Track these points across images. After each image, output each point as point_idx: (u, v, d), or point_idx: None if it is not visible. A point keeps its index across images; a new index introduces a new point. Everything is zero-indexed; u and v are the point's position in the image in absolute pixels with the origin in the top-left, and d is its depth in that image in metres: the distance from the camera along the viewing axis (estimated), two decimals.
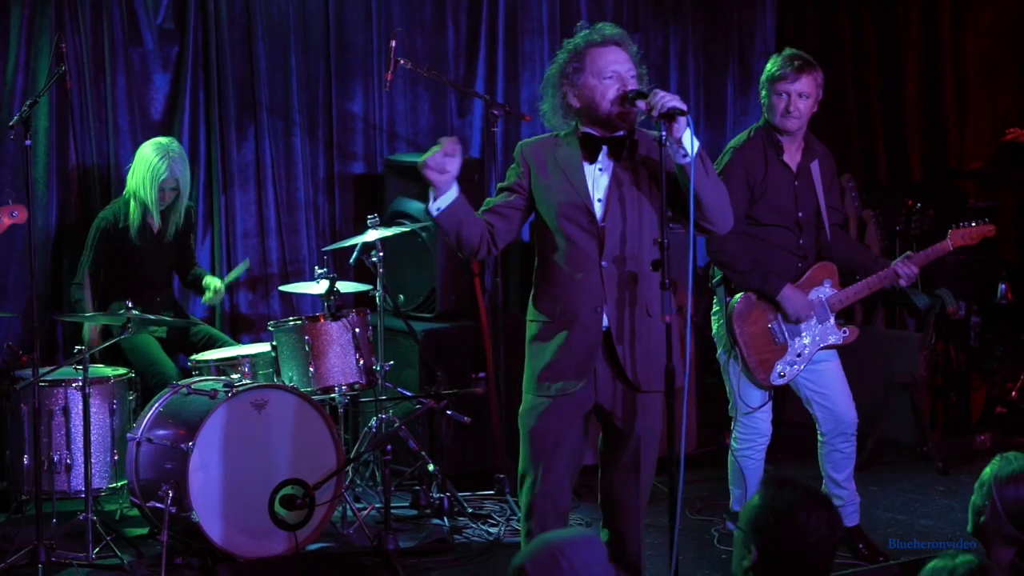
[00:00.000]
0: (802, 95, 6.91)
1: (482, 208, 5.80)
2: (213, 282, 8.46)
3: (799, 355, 6.99)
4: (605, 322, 5.66)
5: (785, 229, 7.00)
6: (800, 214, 7.00)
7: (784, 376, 6.99)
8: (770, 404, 7.12)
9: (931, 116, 11.78)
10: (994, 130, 11.42)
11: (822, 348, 7.04)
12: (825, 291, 7.04)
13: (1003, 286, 10.19)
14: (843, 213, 7.42)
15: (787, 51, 7.07)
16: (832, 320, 7.04)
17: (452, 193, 5.56)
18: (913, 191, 10.65)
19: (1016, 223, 11.52)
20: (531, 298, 5.83)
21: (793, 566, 4.10)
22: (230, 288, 8.96)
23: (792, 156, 7.04)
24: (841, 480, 7.13)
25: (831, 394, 7.08)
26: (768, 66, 7.03)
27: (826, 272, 7.07)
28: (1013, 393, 9.74)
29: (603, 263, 5.64)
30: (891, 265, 7.09)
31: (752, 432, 7.10)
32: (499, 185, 5.89)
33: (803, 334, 6.99)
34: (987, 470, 4.70)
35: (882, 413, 9.03)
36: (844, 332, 7.07)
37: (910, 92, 11.67)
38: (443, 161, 5.49)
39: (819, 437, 7.15)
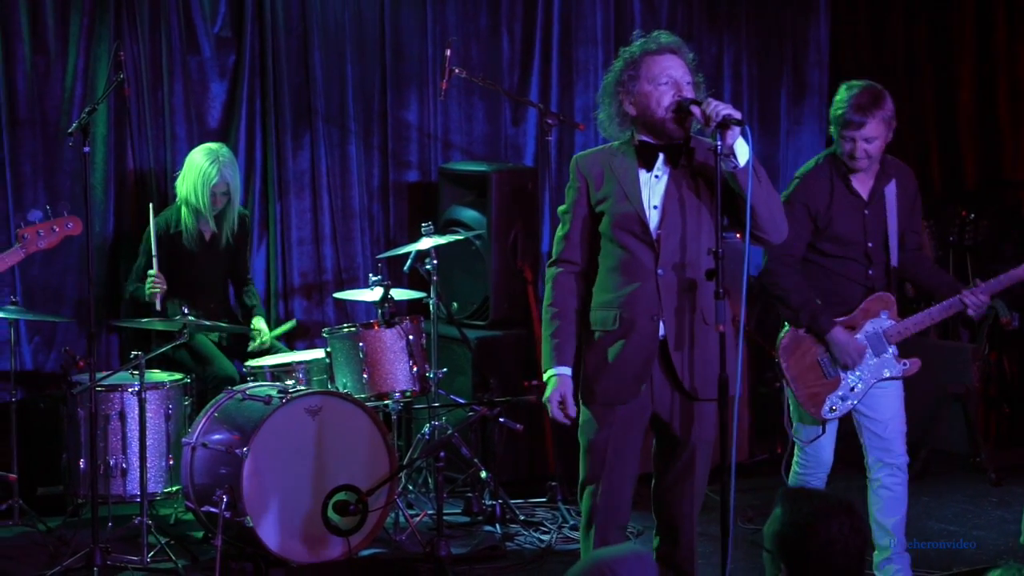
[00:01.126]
0: (869, 139, 6.61)
1: (558, 246, 5.83)
2: (262, 332, 8.45)
3: (852, 389, 6.66)
4: (662, 331, 5.64)
5: (854, 261, 6.69)
6: (869, 244, 6.68)
7: (835, 411, 6.69)
8: (833, 433, 6.78)
9: (985, 125, 11.71)
10: None
11: (879, 382, 6.71)
12: (882, 323, 6.69)
13: None
14: (922, 235, 7.05)
15: (853, 87, 6.69)
16: (891, 352, 6.69)
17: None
18: (967, 201, 10.61)
19: None
20: (590, 308, 5.79)
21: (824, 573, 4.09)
22: (287, 296, 9.03)
23: (863, 183, 6.71)
24: (890, 527, 6.74)
25: (884, 419, 6.72)
26: (836, 100, 6.69)
27: (882, 303, 6.70)
28: None
29: (659, 271, 5.62)
30: (959, 294, 6.72)
31: (813, 461, 6.79)
32: (561, 209, 5.87)
33: (856, 369, 6.72)
34: None
35: (935, 424, 9.00)
36: (904, 364, 6.71)
37: (964, 101, 11.61)
38: (565, 417, 5.76)
39: (867, 474, 6.81)
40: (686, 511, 5.84)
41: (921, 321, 6.79)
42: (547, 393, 5.79)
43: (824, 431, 6.74)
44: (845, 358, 6.63)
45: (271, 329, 8.58)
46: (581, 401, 5.81)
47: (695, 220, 5.63)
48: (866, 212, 6.67)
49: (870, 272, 6.71)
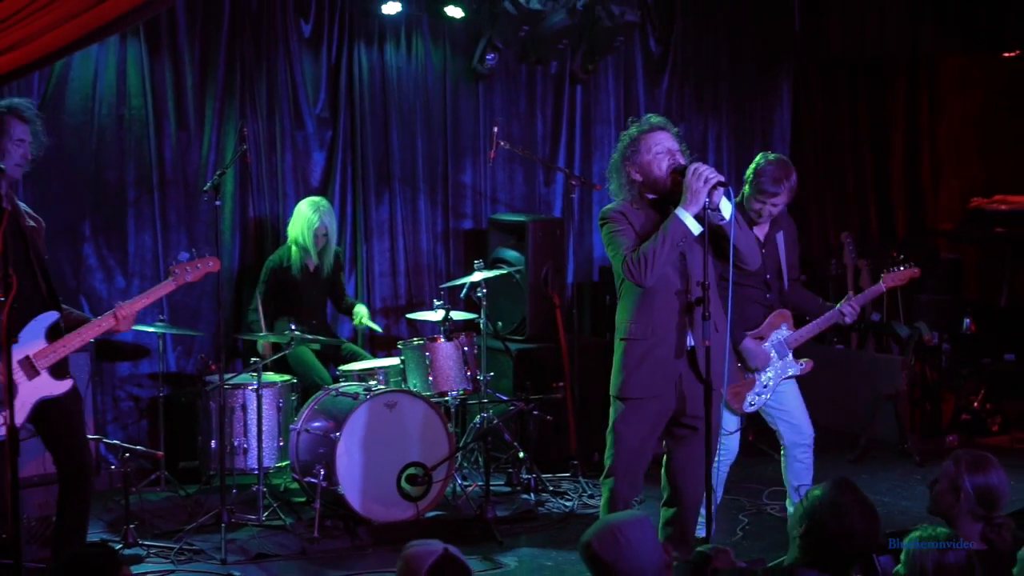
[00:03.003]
0: (777, 204, 6.63)
1: (625, 252, 5.65)
2: (361, 313, 8.50)
3: (765, 387, 6.75)
4: (690, 342, 5.63)
5: (755, 288, 6.72)
6: (767, 276, 6.73)
7: (754, 405, 6.76)
8: (740, 431, 6.84)
9: (912, 187, 11.71)
10: (962, 198, 11.37)
11: (784, 379, 6.80)
12: (783, 333, 6.79)
13: (967, 320, 10.12)
14: (799, 270, 7.10)
15: (771, 160, 6.65)
16: (790, 355, 6.78)
17: None
18: (898, 245, 10.59)
19: (978, 271, 11.45)
20: (624, 323, 5.74)
21: (831, 551, 4.06)
22: (371, 316, 9.09)
23: (761, 229, 6.74)
24: (802, 490, 6.74)
25: (791, 410, 6.81)
26: (755, 168, 6.65)
27: (782, 318, 6.82)
28: (975, 404, 9.63)
29: (687, 294, 5.63)
30: (837, 306, 6.81)
31: (725, 449, 6.71)
32: (610, 229, 5.72)
33: (766, 370, 6.75)
34: (950, 462, 4.65)
35: (872, 419, 8.98)
36: (801, 365, 6.81)
37: (895, 168, 11.61)
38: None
39: (781, 451, 6.89)
40: (692, 484, 5.85)
41: (811, 330, 6.88)
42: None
43: (742, 423, 6.82)
44: (754, 362, 6.68)
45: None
46: (618, 396, 5.76)
47: (701, 254, 5.56)
48: (763, 251, 6.65)
49: (767, 295, 6.78)
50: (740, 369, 6.70)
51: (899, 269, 7.09)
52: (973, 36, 10.87)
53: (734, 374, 6.65)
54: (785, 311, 6.85)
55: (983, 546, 4.47)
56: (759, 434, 8.53)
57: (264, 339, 7.98)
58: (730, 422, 6.73)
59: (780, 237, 6.84)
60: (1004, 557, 4.33)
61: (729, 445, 6.79)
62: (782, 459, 6.92)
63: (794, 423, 6.82)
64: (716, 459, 6.64)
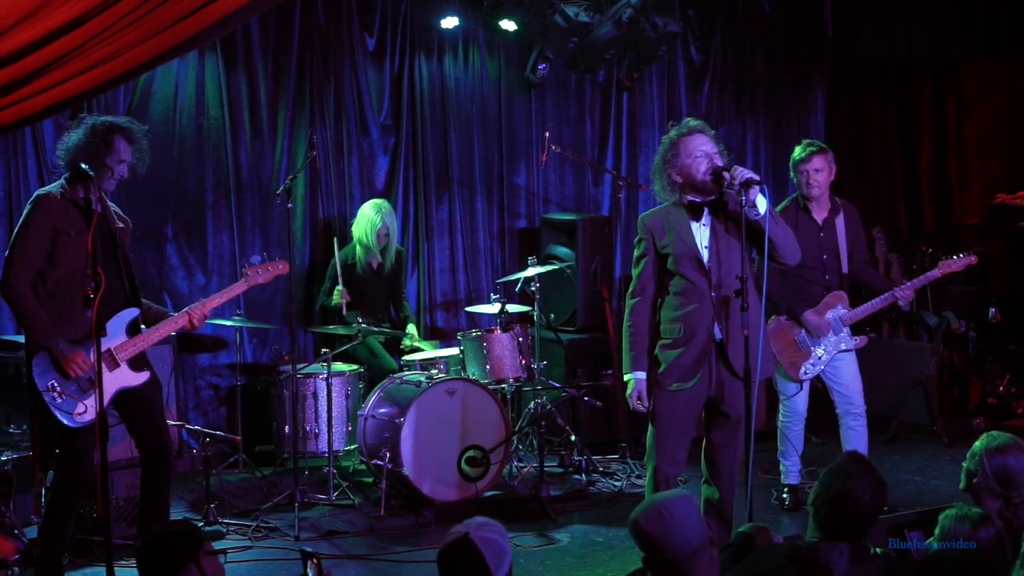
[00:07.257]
0: (817, 170, 6.93)
1: (634, 283, 5.77)
2: (413, 335, 8.38)
3: (819, 358, 7.00)
4: (719, 334, 5.61)
5: (813, 268, 6.95)
6: (824, 256, 7.00)
7: (808, 374, 7.02)
8: (807, 392, 7.12)
9: (940, 185, 11.59)
10: (986, 195, 11.22)
11: (839, 352, 7.02)
12: (839, 311, 6.99)
13: (993, 309, 10.02)
14: (867, 253, 7.34)
15: (804, 141, 7.10)
16: (846, 331, 7.00)
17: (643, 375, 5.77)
18: (926, 240, 10.51)
19: (1003, 263, 11.30)
20: (661, 321, 5.73)
21: (835, 511, 4.05)
22: (432, 310, 9.08)
23: (819, 213, 7.02)
24: None
25: (845, 382, 7.03)
26: (793, 154, 7.05)
27: (838, 298, 7.02)
28: (1000, 388, 9.56)
29: (712, 294, 5.60)
30: (891, 290, 7.02)
31: (792, 411, 7.16)
32: (635, 254, 5.81)
33: (821, 344, 7.00)
34: (977, 444, 4.64)
35: (903, 403, 8.90)
36: (856, 340, 7.04)
37: (924, 167, 11.49)
38: (642, 408, 5.76)
39: (838, 420, 7.12)
40: (728, 466, 5.81)
41: (866, 309, 7.09)
42: (628, 391, 5.75)
43: (801, 388, 7.07)
44: (817, 330, 6.93)
45: (420, 337, 8.60)
46: (654, 384, 5.75)
47: (730, 254, 5.60)
48: (821, 234, 7.00)
49: (827, 277, 7.04)
50: (798, 343, 6.99)
51: (958, 256, 7.14)
52: (996, 43, 10.74)
53: (790, 350, 6.99)
54: (841, 292, 7.07)
55: (1000, 523, 4.44)
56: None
57: (333, 331, 7.96)
58: (788, 388, 7.12)
59: (840, 222, 7.08)
60: (1019, 534, 4.30)
61: (796, 408, 7.15)
62: (839, 429, 7.13)
63: (845, 393, 7.05)
64: (786, 421, 7.21)
